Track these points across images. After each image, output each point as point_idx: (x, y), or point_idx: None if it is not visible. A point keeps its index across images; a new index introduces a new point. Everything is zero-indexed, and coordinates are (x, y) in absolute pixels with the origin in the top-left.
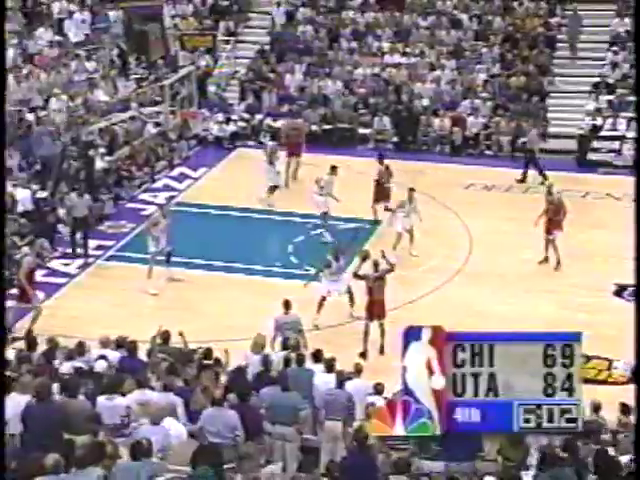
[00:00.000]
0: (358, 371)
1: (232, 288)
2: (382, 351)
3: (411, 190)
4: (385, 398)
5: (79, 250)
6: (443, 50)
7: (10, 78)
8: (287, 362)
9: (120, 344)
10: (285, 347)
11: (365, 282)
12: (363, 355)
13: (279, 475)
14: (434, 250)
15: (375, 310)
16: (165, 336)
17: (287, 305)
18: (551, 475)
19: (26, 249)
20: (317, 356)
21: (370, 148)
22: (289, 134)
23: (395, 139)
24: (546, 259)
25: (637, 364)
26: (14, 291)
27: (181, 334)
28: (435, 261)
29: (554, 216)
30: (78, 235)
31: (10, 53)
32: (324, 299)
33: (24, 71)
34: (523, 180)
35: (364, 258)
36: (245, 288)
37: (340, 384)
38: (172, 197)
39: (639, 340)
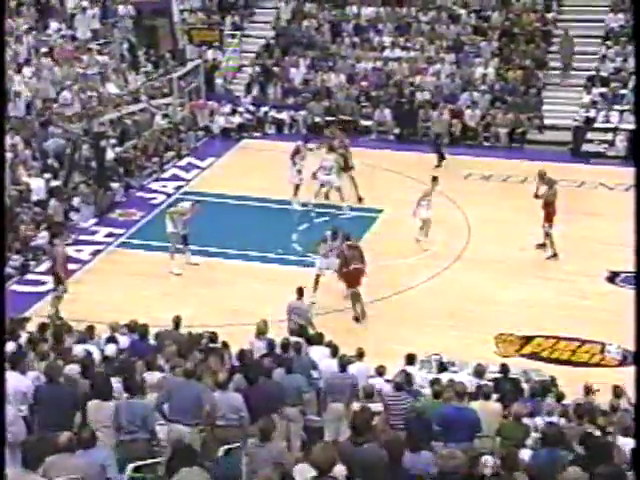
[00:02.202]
0: (360, 354)
1: (239, 273)
2: (357, 319)
3: (434, 180)
4: (387, 380)
5: None
6: (443, 44)
7: (27, 71)
8: (285, 347)
9: (132, 328)
10: (291, 332)
11: (341, 254)
12: (357, 319)
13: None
14: (434, 237)
15: (351, 279)
16: (177, 320)
17: (300, 292)
18: (549, 453)
19: (57, 240)
20: (310, 340)
21: (372, 139)
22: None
23: (396, 131)
24: (555, 255)
25: (637, 351)
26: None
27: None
28: (435, 248)
29: (551, 206)
30: None
31: (24, 47)
32: (318, 277)
33: (40, 63)
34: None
35: (334, 234)
36: (249, 275)
37: (343, 368)
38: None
39: (639, 327)
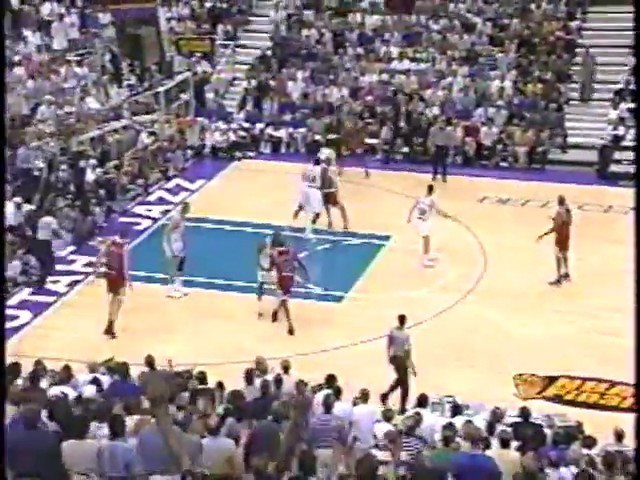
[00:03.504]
0: (364, 396)
1: (227, 306)
2: (292, 332)
3: (430, 189)
4: (394, 425)
5: None
6: (455, 55)
7: None
8: (278, 383)
9: (112, 368)
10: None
11: (272, 260)
12: (291, 332)
13: None
14: (445, 267)
15: (286, 284)
16: (149, 360)
17: (402, 320)
18: None
19: (118, 239)
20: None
21: (378, 159)
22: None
23: (405, 149)
24: (559, 280)
25: (637, 376)
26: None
27: (169, 362)
28: (446, 279)
29: (564, 231)
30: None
31: None
32: (262, 285)
33: (12, 76)
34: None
35: (274, 242)
36: (240, 306)
37: (327, 409)
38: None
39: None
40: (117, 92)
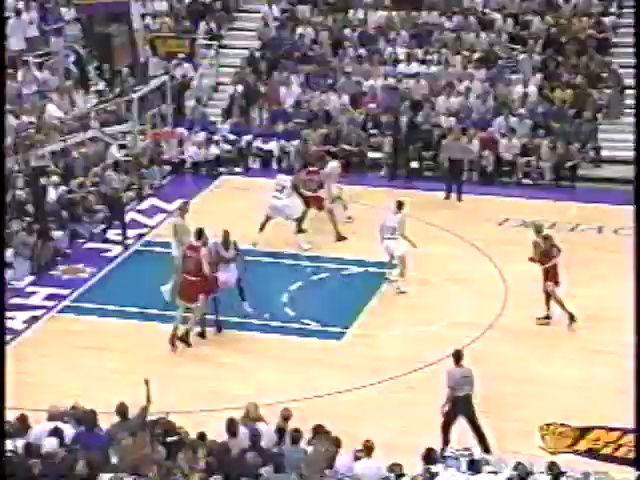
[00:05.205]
0: (368, 449)
1: (214, 345)
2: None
3: (400, 206)
4: None
5: None
6: (471, 57)
7: None
8: (280, 432)
9: (77, 416)
10: None
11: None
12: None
13: None
14: (460, 299)
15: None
16: (122, 409)
17: (458, 357)
18: None
19: (195, 241)
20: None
21: (382, 176)
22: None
23: (414, 164)
24: (547, 317)
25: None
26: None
27: (147, 382)
28: (461, 313)
29: (545, 261)
30: None
31: None
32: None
33: None
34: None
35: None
36: (231, 345)
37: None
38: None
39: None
40: (83, 99)
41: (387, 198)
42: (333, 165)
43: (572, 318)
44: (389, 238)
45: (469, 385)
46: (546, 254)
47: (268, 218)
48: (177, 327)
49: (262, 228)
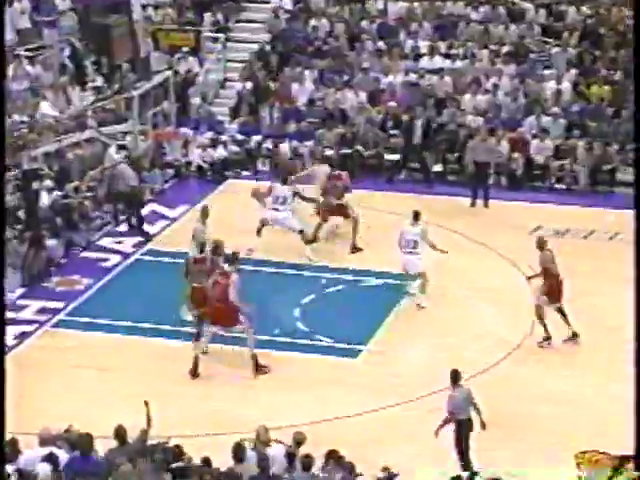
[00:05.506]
0: (390, 476)
1: (218, 363)
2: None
3: (416, 216)
4: None
5: None
6: (500, 51)
7: None
8: (290, 457)
9: (71, 440)
10: None
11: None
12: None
13: None
14: (488, 316)
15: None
16: (119, 433)
17: (456, 377)
18: None
19: (227, 266)
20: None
21: (402, 179)
22: None
23: (438, 167)
24: (548, 338)
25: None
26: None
27: (146, 404)
28: (487, 331)
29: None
30: None
31: None
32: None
33: None
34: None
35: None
36: (237, 363)
37: None
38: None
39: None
40: (79, 96)
41: (405, 204)
42: (322, 170)
43: (548, 339)
44: (410, 252)
45: (471, 406)
46: (547, 272)
47: (264, 223)
48: (198, 356)
49: (259, 232)
